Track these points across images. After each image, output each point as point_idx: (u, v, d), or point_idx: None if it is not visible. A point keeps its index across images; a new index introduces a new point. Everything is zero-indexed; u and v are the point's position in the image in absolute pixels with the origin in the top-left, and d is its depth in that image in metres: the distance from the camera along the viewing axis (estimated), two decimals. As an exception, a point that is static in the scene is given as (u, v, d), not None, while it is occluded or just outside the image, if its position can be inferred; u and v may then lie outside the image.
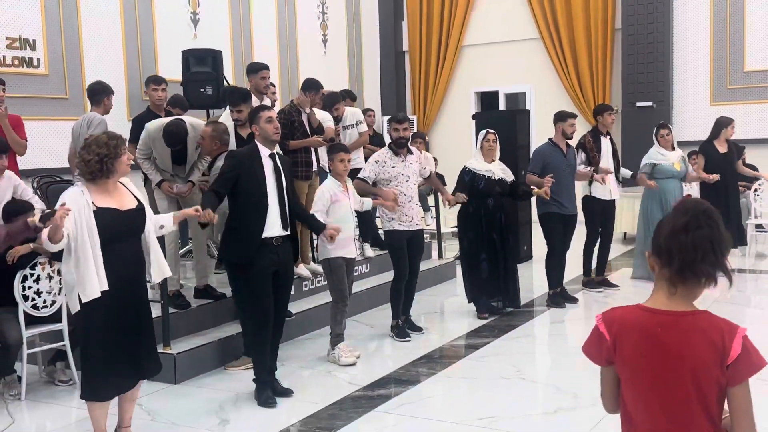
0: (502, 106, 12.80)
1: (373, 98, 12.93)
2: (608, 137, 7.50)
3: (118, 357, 3.88)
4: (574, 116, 7.06)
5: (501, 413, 4.51)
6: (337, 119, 7.27)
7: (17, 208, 4.93)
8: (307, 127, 6.43)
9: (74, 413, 4.70)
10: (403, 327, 6.20)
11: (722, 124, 8.44)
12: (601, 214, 7.45)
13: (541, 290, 7.53)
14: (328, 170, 5.74)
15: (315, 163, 6.52)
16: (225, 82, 8.44)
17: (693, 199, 1.95)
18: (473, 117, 10.09)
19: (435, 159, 9.30)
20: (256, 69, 6.76)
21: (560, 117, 7.05)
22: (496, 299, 6.80)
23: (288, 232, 4.76)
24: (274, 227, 4.66)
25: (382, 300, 6.79)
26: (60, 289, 4.97)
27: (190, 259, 6.74)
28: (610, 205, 7.52)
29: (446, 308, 7.44)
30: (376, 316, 6.83)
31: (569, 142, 7.07)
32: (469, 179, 6.55)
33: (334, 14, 12.03)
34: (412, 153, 6.13)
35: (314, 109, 6.61)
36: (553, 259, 7.10)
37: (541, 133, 8.65)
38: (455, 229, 7.79)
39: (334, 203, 5.42)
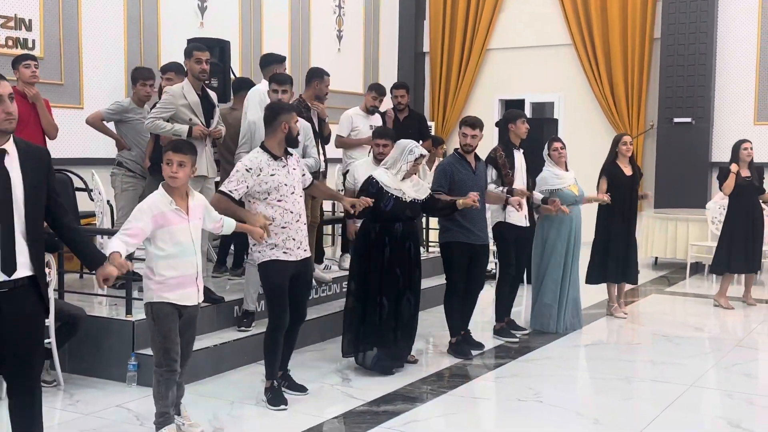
0: (528, 115, 12.87)
1: (387, 101, 12.99)
2: (521, 151, 6.74)
3: None
4: (473, 125, 6.11)
5: (516, 436, 4.57)
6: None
7: None
8: (315, 124, 6.53)
9: (57, 415, 4.76)
10: (279, 390, 5.00)
11: (618, 141, 7.59)
12: (514, 243, 6.64)
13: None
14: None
15: (322, 163, 6.58)
16: (232, 75, 8.57)
17: None
18: (497, 125, 10.15)
19: None
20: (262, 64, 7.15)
21: (461, 122, 6.23)
22: (387, 355, 5.68)
23: (9, 277, 3.23)
24: None
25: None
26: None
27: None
28: (525, 232, 6.71)
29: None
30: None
31: (478, 154, 6.25)
32: (375, 193, 5.45)
33: (351, 9, 12.17)
34: (291, 155, 5.01)
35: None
36: (453, 299, 6.18)
37: (569, 144, 8.65)
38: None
39: (161, 227, 4.12)
